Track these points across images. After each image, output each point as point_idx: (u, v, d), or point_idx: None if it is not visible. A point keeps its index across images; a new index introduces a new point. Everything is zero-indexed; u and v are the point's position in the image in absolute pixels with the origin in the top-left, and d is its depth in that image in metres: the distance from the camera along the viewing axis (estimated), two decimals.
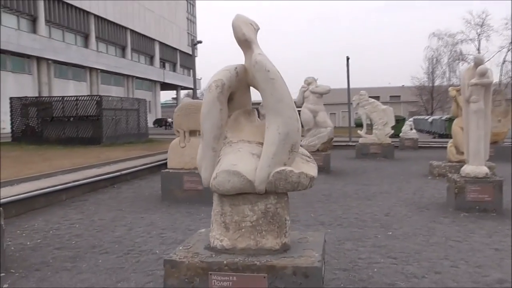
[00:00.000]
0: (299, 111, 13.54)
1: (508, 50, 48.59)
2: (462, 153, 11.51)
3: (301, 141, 3.57)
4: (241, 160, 3.23)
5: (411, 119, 26.99)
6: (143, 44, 62.62)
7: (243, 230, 3.25)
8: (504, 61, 49.39)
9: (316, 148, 12.44)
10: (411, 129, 22.35)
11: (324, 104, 13.24)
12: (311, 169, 3.33)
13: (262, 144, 3.27)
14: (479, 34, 50.74)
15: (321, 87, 12.68)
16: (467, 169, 7.31)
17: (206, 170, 3.34)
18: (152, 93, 65.80)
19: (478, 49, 50.44)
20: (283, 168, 3.16)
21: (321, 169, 12.27)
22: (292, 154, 3.19)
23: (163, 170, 8.86)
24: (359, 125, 29.62)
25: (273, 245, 3.25)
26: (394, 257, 5.05)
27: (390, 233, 6.13)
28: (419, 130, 32.16)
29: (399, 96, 69.31)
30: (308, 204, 8.12)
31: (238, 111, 3.57)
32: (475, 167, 7.20)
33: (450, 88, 11.78)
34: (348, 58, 25.53)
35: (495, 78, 48.05)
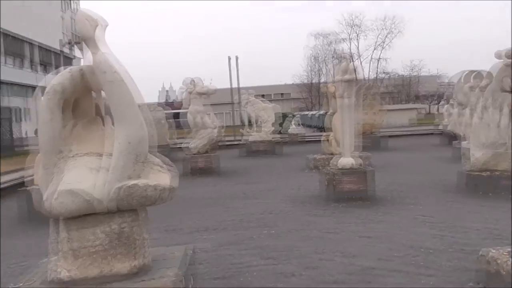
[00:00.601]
0: (184, 113, 13.41)
1: (383, 48, 53.32)
2: None
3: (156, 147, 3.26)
4: (86, 176, 2.83)
5: (297, 115, 28.19)
6: (12, 45, 56.34)
7: (94, 256, 2.85)
8: (378, 58, 54.11)
9: (205, 150, 12.24)
10: (299, 124, 23.33)
11: (211, 105, 13.08)
12: (168, 179, 3.04)
13: (111, 155, 2.90)
14: (358, 34, 54.80)
15: (207, 88, 12.49)
16: (342, 161, 7.65)
17: (44, 189, 2.88)
18: (23, 99, 59.19)
19: (353, 48, 54.53)
20: (134, 182, 2.84)
21: (209, 171, 12.26)
22: (142, 164, 2.88)
23: (21, 188, 7.82)
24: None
25: (130, 269, 2.91)
26: (275, 257, 5.00)
27: (273, 231, 6.12)
28: (307, 126, 33.80)
29: (290, 93, 72.31)
30: (193, 209, 7.85)
31: (86, 119, 3.16)
32: (349, 159, 7.57)
33: (329, 85, 12.38)
34: (237, 58, 25.77)
35: (370, 74, 52.65)
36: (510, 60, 7.71)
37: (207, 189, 9.81)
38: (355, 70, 7.49)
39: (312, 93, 58.02)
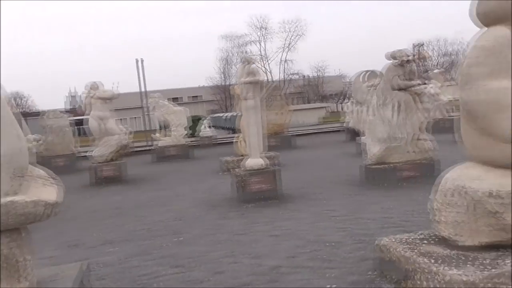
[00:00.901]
0: (87, 119, 12.67)
1: (288, 50, 55.04)
2: None
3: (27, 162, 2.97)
4: None
5: (208, 117, 28.08)
6: None
7: None
8: (285, 60, 55.80)
9: (110, 158, 11.65)
10: (209, 127, 23.22)
11: (116, 110, 12.49)
12: (52, 194, 2.79)
13: None
14: (264, 36, 55.93)
15: (108, 92, 11.90)
16: (250, 162, 7.72)
17: None
18: None
19: (261, 50, 55.72)
20: (10, 198, 2.55)
21: (117, 179, 11.70)
22: (20, 179, 2.60)
23: None
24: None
25: None
26: (184, 264, 4.87)
27: (182, 238, 5.97)
28: (220, 127, 33.82)
29: (201, 96, 71.82)
30: (98, 221, 7.40)
31: None
32: (257, 159, 7.66)
33: (235, 87, 12.42)
34: (142, 60, 24.95)
35: (277, 76, 54.16)
36: (397, 60, 8.37)
37: (113, 199, 9.33)
38: (259, 72, 7.60)
39: (226, 95, 58.29)
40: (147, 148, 19.42)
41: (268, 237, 5.61)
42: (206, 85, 61.73)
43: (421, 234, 3.80)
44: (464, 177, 3.24)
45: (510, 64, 2.87)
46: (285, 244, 5.26)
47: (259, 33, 54.88)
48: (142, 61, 22.42)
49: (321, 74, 59.26)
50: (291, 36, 54.20)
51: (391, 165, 8.32)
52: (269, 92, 15.33)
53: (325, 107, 45.65)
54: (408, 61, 8.27)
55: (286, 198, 7.75)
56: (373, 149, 8.36)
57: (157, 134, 17.89)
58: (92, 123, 11.60)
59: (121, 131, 12.06)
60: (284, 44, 54.73)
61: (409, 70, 8.37)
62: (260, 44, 55.23)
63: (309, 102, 53.53)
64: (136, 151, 20.04)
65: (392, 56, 8.39)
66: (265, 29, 54.60)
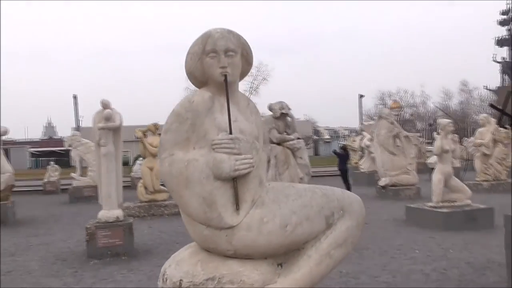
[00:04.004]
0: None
1: (250, 93, 55.53)
2: (152, 192, 11.80)
3: None
4: None
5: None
6: None
7: None
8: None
9: None
10: None
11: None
12: None
13: None
14: None
15: None
16: (99, 214, 7.12)
17: None
18: None
19: None
20: None
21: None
22: None
23: None
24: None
25: None
26: None
27: None
28: None
29: None
30: None
31: None
32: (107, 211, 7.07)
33: (136, 130, 11.97)
34: (75, 97, 24.34)
35: None
36: (277, 113, 8.12)
37: None
38: (117, 117, 7.16)
39: None
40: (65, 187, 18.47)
41: None
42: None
43: None
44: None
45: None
46: None
47: None
48: (75, 97, 21.78)
49: None
50: (254, 81, 54.76)
51: None
52: None
53: None
54: (285, 114, 8.03)
55: (138, 253, 7.15)
56: None
57: (72, 174, 17.04)
58: None
59: (10, 170, 11.24)
60: (251, 88, 54.95)
61: (286, 123, 8.12)
62: None
63: None
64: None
65: (269, 108, 8.16)
66: None
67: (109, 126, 7.03)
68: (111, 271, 6.27)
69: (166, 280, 2.66)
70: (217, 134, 2.54)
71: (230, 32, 2.65)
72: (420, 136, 30.04)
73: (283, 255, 2.61)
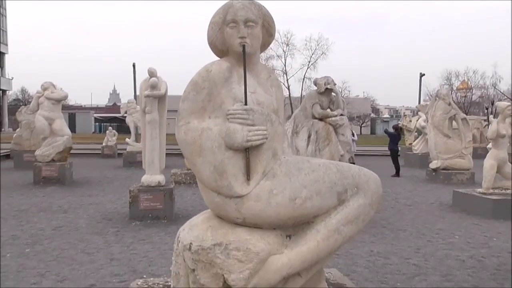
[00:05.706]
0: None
1: (308, 67, 54.54)
2: None
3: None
4: None
5: None
6: None
7: None
8: (304, 78, 55.21)
9: (51, 158, 11.58)
10: None
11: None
12: None
13: None
14: (286, 52, 55.43)
15: (58, 93, 11.88)
16: (142, 178, 7.45)
17: None
18: None
19: (285, 66, 55.13)
20: None
21: (58, 181, 11.57)
22: None
23: None
24: None
25: None
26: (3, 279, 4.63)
27: (29, 250, 5.71)
28: None
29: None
30: None
31: None
32: (149, 176, 7.37)
33: None
34: (134, 65, 25.13)
35: (296, 92, 53.55)
36: (322, 88, 7.96)
37: (27, 200, 9.21)
38: (162, 85, 7.36)
39: None
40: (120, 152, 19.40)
41: (110, 260, 5.32)
42: None
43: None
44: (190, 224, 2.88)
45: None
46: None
47: (285, 48, 54.34)
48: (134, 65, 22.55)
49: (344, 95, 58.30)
50: (312, 55, 53.76)
51: None
52: None
53: None
54: (330, 89, 7.86)
55: (177, 218, 7.44)
56: None
57: (127, 139, 17.82)
58: (39, 122, 11.59)
59: (68, 133, 11.95)
60: (309, 62, 54.06)
61: (330, 99, 7.95)
62: (285, 59, 54.67)
63: None
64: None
65: (314, 82, 8.01)
66: (287, 45, 54.26)
67: (154, 94, 7.26)
68: (149, 232, 6.61)
69: (179, 243, 2.77)
70: (233, 104, 2.55)
71: (251, 2, 2.62)
72: (484, 120, 28.35)
73: (292, 227, 2.62)
